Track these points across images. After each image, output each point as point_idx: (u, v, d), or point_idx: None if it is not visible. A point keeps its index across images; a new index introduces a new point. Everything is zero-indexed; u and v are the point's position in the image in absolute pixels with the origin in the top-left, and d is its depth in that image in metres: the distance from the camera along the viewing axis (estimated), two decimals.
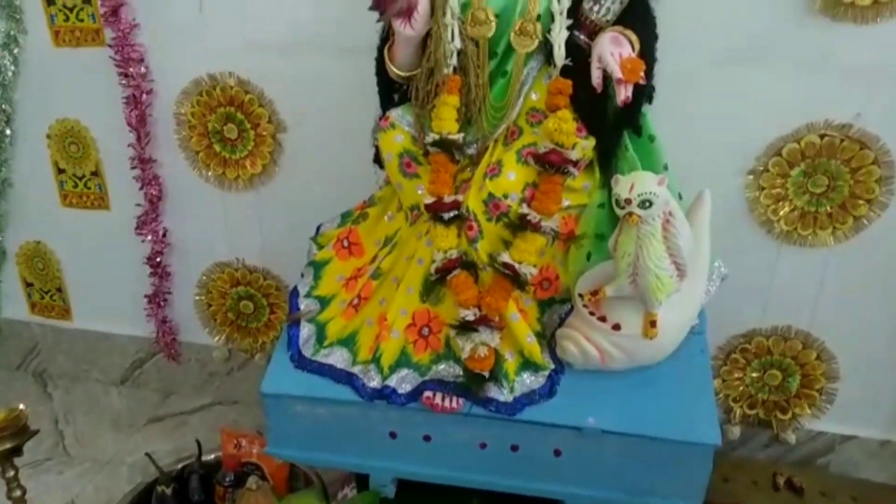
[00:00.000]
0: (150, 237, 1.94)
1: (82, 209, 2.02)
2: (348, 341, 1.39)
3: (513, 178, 1.25)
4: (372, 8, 1.20)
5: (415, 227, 1.37)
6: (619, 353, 1.29)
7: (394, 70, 1.32)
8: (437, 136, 1.27)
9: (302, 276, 1.53)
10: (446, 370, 1.31)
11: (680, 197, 1.37)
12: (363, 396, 1.30)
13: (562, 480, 1.29)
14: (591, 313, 1.29)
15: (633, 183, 1.16)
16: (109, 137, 1.88)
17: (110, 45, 1.72)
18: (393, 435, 1.32)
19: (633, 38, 1.21)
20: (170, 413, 2.18)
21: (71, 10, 1.74)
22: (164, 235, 1.96)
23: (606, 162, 1.34)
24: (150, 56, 1.75)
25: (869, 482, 1.69)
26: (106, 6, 1.67)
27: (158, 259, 1.98)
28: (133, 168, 1.86)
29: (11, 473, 1.42)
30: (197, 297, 2.06)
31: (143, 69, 1.75)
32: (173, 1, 1.67)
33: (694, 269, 1.27)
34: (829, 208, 1.54)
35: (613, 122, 1.29)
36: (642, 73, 1.16)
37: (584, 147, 1.27)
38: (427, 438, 1.31)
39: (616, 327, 1.27)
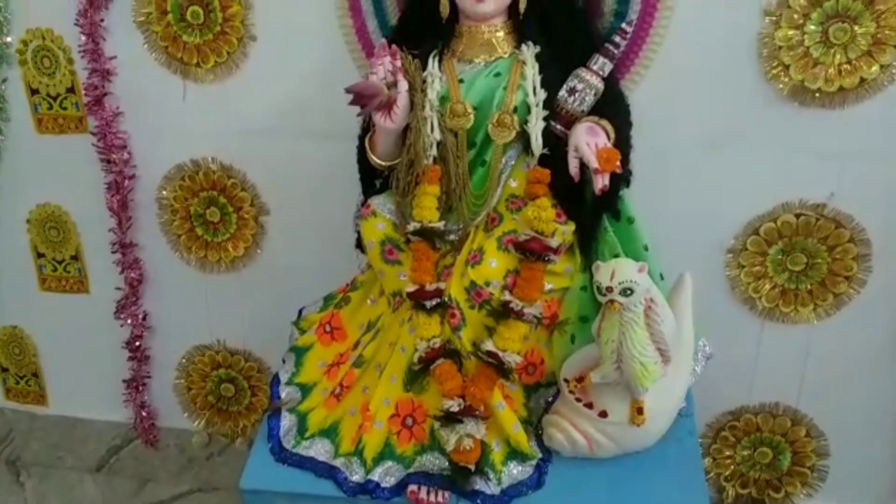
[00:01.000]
0: (129, 321, 1.91)
1: (61, 293, 1.99)
2: (330, 432, 1.36)
3: (494, 265, 1.25)
4: (352, 103, 1.22)
5: (397, 313, 1.36)
6: (607, 441, 1.27)
7: (375, 160, 1.34)
8: (418, 225, 1.28)
9: (283, 361, 1.51)
10: (431, 461, 1.28)
11: (661, 277, 1.38)
12: (346, 492, 1.27)
13: None
14: (578, 399, 1.28)
15: (614, 270, 1.17)
16: (90, 222, 1.87)
17: (93, 133, 1.73)
18: None
19: (609, 127, 1.25)
20: (147, 502, 2.10)
21: (55, 98, 1.76)
22: (143, 319, 1.93)
23: (587, 245, 1.35)
24: (133, 142, 1.75)
25: None
26: (90, 95, 1.69)
27: (138, 343, 1.94)
28: (114, 252, 1.85)
29: None
30: (176, 381, 2.02)
31: (125, 155, 1.75)
32: (157, 89, 1.69)
33: (678, 353, 1.27)
34: (809, 286, 1.55)
35: (592, 207, 1.31)
36: (618, 163, 1.18)
37: (563, 232, 1.29)
38: None
39: (603, 414, 1.26)
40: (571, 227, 1.31)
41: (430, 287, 1.27)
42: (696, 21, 1.39)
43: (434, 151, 1.29)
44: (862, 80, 1.38)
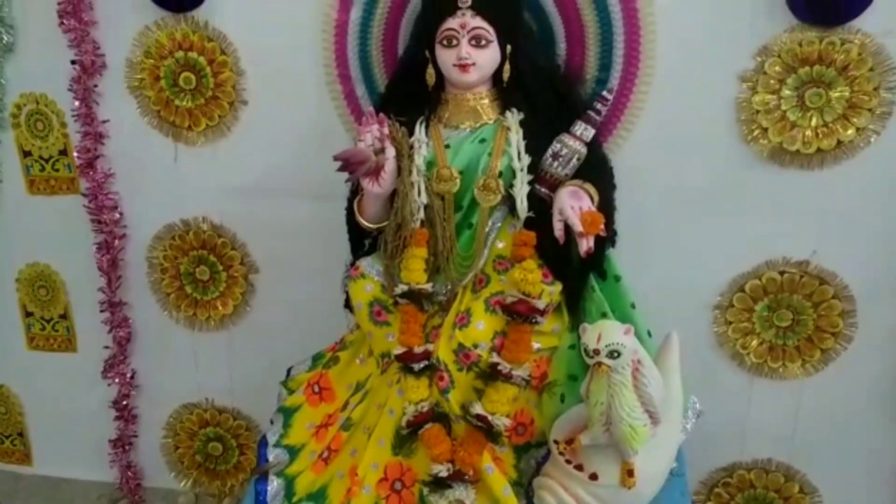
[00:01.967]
0: (117, 380, 1.90)
1: (49, 352, 1.98)
2: (318, 496, 1.34)
3: (481, 327, 1.26)
4: (340, 169, 1.24)
5: (386, 374, 1.36)
6: None
7: (363, 222, 1.36)
8: (406, 288, 1.29)
9: (271, 422, 1.50)
10: None
11: (649, 334, 1.39)
12: None
13: None
14: (568, 461, 1.26)
15: (601, 333, 1.17)
16: (80, 281, 1.87)
17: (84, 194, 1.75)
18: None
19: (592, 190, 1.27)
20: None
21: (47, 160, 1.78)
22: (131, 378, 1.92)
23: (574, 304, 1.36)
24: (124, 203, 1.77)
25: None
26: (82, 158, 1.71)
27: (125, 402, 1.93)
28: (102, 311, 1.84)
29: None
30: (164, 440, 1.99)
31: (116, 216, 1.77)
32: (148, 152, 1.72)
33: (668, 413, 1.26)
34: (796, 341, 1.57)
35: (579, 267, 1.32)
36: (602, 225, 1.20)
37: (550, 293, 1.30)
38: None
39: (593, 477, 1.25)
40: (558, 287, 1.32)
41: (418, 349, 1.27)
42: (675, 87, 1.44)
43: (421, 215, 1.31)
44: (839, 142, 1.41)
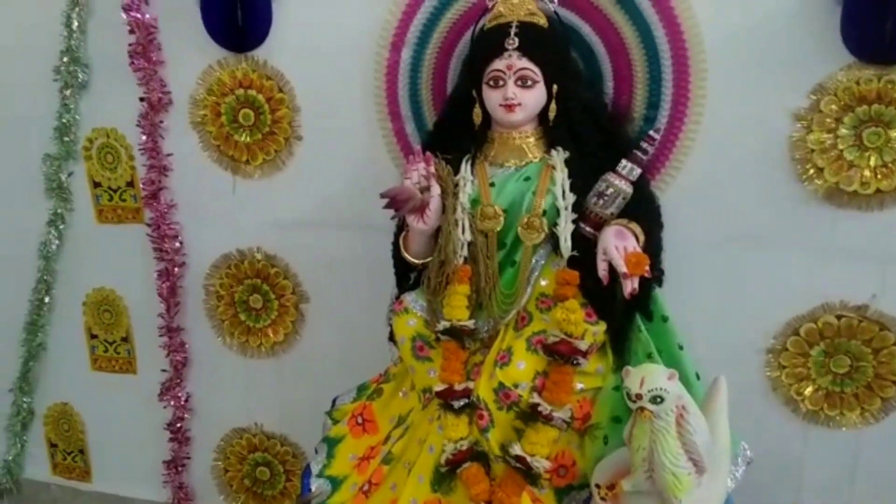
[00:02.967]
0: (172, 402, 1.96)
1: (110, 373, 2.06)
2: None
3: (522, 367, 1.25)
4: (386, 206, 1.27)
5: (427, 410, 1.36)
6: None
7: (408, 257, 1.38)
8: (447, 324, 1.30)
9: (316, 451, 1.53)
10: None
11: (697, 377, 1.36)
12: None
13: None
14: None
15: (643, 378, 1.15)
16: (141, 306, 1.95)
17: (148, 224, 1.83)
18: None
19: (638, 230, 1.26)
20: None
21: (115, 191, 1.88)
22: (186, 401, 1.98)
23: (619, 344, 1.34)
24: (185, 233, 1.85)
25: None
26: (147, 189, 1.80)
27: (179, 424, 1.99)
28: (161, 335, 1.92)
29: None
30: (214, 463, 2.04)
31: (177, 244, 1.85)
32: (208, 184, 1.79)
33: (714, 461, 1.22)
34: (854, 389, 1.50)
35: (623, 307, 1.31)
36: (647, 267, 1.19)
37: (594, 333, 1.28)
38: None
39: None
40: (602, 326, 1.30)
41: (458, 387, 1.27)
42: (726, 125, 1.42)
43: (465, 252, 1.32)
44: None
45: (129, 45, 1.71)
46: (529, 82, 1.29)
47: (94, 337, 2.05)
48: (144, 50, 1.71)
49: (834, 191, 1.40)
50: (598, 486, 1.25)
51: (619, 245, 1.21)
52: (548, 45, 1.31)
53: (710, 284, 1.50)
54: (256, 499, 2.04)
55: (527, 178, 1.32)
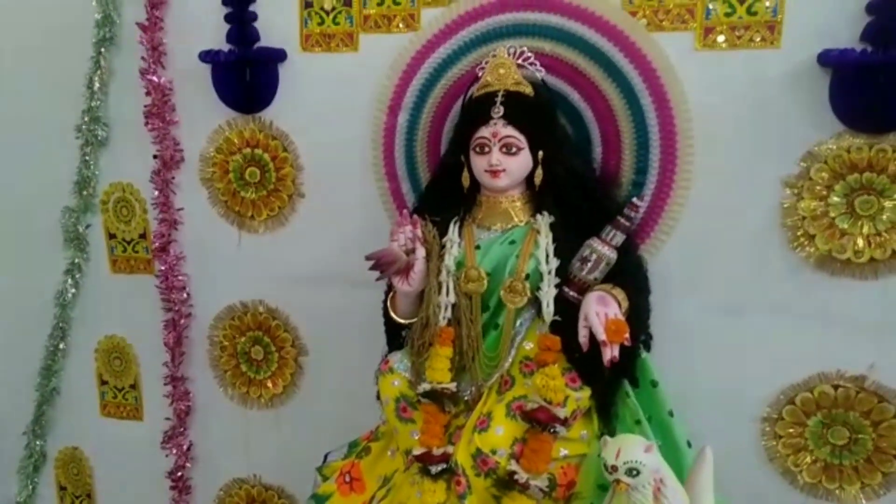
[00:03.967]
0: (174, 451, 1.99)
1: (118, 419, 2.11)
2: None
3: (500, 433, 1.25)
4: (372, 268, 1.29)
5: (409, 472, 1.36)
6: None
7: (396, 317, 1.40)
8: (428, 387, 1.31)
9: None
10: None
11: (689, 445, 1.34)
12: None
13: None
14: None
15: (620, 449, 1.14)
16: (149, 354, 2.00)
17: (157, 275, 1.89)
18: None
19: (621, 296, 1.25)
20: None
21: (129, 243, 1.95)
22: (188, 449, 2.01)
23: (605, 410, 1.33)
24: (192, 284, 1.91)
25: None
26: (158, 241, 1.87)
27: (180, 473, 2.01)
28: (166, 384, 1.96)
29: None
30: None
31: (184, 296, 1.90)
32: (215, 237, 1.85)
33: None
34: (854, 462, 1.45)
35: (608, 372, 1.29)
36: (626, 335, 1.18)
37: (577, 399, 1.27)
38: None
39: None
40: (586, 392, 1.29)
41: (437, 451, 1.27)
42: (716, 190, 1.42)
43: (449, 314, 1.33)
44: (894, 251, 1.34)
45: (145, 106, 1.79)
46: (514, 149, 1.31)
47: (104, 383, 2.10)
48: (159, 111, 1.79)
49: (826, 258, 1.38)
50: None
51: (599, 311, 1.21)
52: (533, 113, 1.34)
53: (702, 350, 1.49)
54: None
55: (512, 242, 1.34)
